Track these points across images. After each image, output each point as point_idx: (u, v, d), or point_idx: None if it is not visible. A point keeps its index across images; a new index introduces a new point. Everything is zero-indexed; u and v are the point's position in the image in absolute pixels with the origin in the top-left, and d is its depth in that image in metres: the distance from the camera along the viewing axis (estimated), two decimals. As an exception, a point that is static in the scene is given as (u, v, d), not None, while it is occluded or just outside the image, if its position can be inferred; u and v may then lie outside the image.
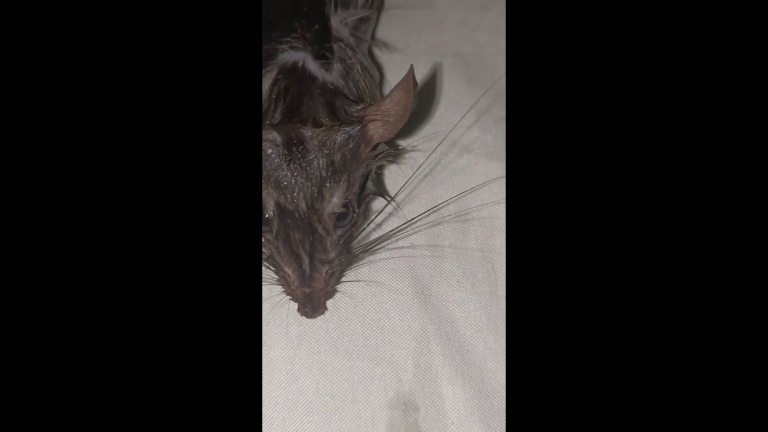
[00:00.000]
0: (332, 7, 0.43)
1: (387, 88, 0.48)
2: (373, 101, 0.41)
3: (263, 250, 0.38)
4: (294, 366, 0.39)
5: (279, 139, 0.36)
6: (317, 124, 0.37)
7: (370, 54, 0.50)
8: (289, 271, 0.36)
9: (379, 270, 0.42)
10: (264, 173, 0.36)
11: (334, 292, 0.39)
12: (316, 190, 0.36)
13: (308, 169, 0.36)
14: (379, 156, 0.40)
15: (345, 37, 0.44)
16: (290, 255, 0.36)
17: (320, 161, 0.36)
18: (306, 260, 0.36)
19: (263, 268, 0.38)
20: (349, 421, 0.38)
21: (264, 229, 0.37)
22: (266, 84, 0.39)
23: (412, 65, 0.37)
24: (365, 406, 0.38)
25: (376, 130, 0.38)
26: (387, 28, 0.54)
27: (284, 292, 0.37)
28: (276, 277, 0.37)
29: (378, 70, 0.48)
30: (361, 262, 0.41)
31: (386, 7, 0.54)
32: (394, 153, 0.42)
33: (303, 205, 0.36)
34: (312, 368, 0.39)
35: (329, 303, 0.40)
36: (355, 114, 0.38)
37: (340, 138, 0.36)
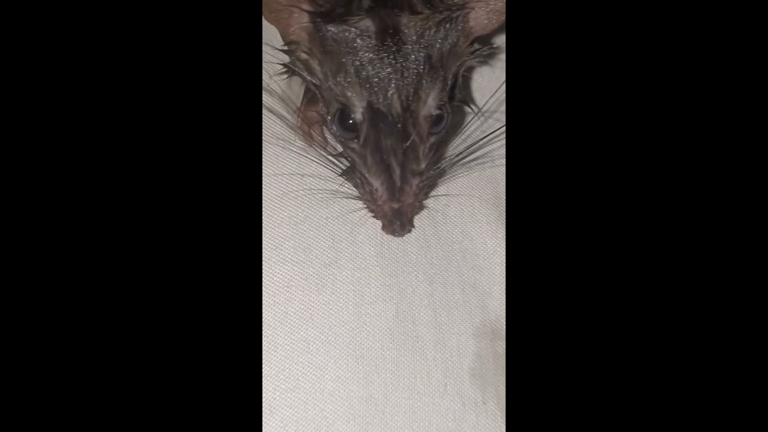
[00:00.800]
0: None
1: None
2: None
3: (345, 161, 0.33)
4: (370, 288, 0.35)
5: (372, 28, 0.31)
6: (414, 12, 0.31)
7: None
8: (377, 183, 0.32)
9: (460, 187, 0.38)
10: (352, 69, 0.31)
11: (421, 208, 0.35)
12: (412, 90, 0.31)
13: (404, 63, 0.31)
14: (476, 53, 0.35)
15: None
16: (380, 165, 0.31)
17: (418, 55, 0.31)
18: (397, 171, 0.31)
19: (344, 180, 0.33)
20: (434, 349, 0.34)
21: (349, 135, 0.32)
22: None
23: None
24: (449, 334, 0.35)
25: (478, 21, 0.33)
26: None
27: (367, 208, 0.33)
28: (358, 192, 0.33)
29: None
30: (446, 178, 0.36)
31: None
32: (489, 51, 0.36)
33: (398, 106, 0.31)
34: (390, 291, 0.35)
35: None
36: (453, 2, 0.33)
37: (439, 28, 0.31)
